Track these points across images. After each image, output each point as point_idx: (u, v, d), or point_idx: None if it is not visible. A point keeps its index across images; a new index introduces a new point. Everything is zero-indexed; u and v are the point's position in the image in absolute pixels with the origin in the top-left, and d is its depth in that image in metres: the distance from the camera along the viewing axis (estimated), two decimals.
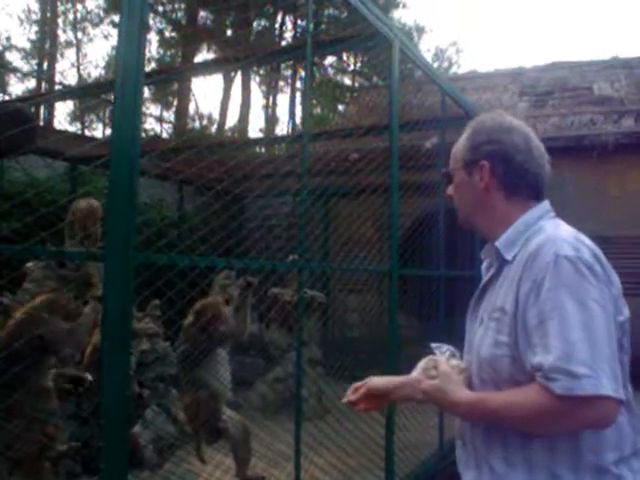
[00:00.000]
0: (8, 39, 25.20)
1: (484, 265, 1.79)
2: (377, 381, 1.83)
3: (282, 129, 26.34)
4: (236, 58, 5.11)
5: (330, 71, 24.97)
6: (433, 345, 1.69)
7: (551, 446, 1.44)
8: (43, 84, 22.25)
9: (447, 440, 5.28)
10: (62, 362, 3.35)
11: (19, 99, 7.08)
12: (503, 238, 1.62)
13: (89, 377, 3.61)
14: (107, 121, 22.64)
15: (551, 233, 1.52)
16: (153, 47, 22.40)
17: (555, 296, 1.39)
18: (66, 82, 23.65)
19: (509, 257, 1.59)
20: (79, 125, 25.23)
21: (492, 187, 1.65)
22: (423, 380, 1.60)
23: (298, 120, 23.40)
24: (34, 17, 25.53)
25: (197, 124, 25.85)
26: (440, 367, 1.59)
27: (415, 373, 1.64)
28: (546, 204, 1.67)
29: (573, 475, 1.42)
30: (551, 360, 1.34)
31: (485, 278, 1.70)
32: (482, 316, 1.63)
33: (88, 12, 24.51)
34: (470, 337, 1.69)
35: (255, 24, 21.81)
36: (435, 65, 26.96)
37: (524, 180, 1.64)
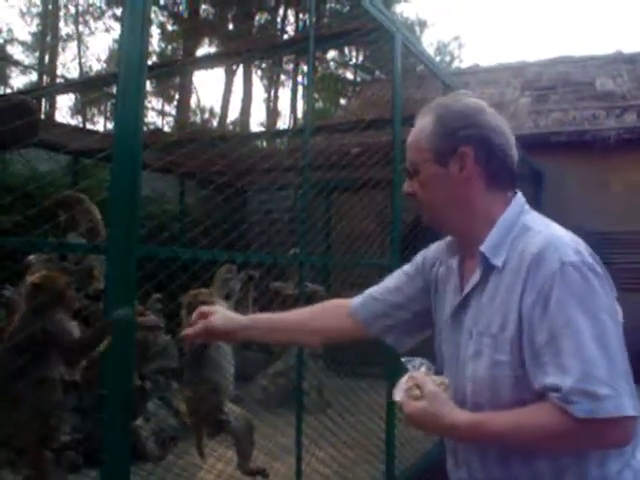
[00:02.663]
0: (9, 32, 25.23)
1: (454, 264, 1.62)
2: (218, 323, 1.81)
3: (284, 123, 26.37)
4: (238, 52, 5.11)
5: (332, 65, 24.94)
6: (404, 359, 1.50)
7: (557, 463, 1.36)
8: (45, 77, 22.24)
9: None
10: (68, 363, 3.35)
11: (21, 92, 7.08)
12: (488, 241, 1.44)
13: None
14: (108, 114, 22.62)
15: (548, 235, 1.39)
16: (154, 40, 22.39)
17: (565, 310, 1.29)
18: (68, 75, 23.67)
19: (499, 263, 1.42)
20: (80, 118, 25.22)
21: (473, 177, 1.48)
22: (407, 403, 1.39)
23: (299, 114, 23.42)
24: (35, 10, 25.54)
25: (198, 118, 25.85)
26: (427, 386, 1.39)
27: (399, 397, 1.42)
28: (521, 197, 1.53)
29: None
30: (570, 382, 1.24)
31: (468, 286, 1.52)
32: (471, 329, 1.48)
33: (90, 5, 24.47)
34: (454, 350, 1.54)
35: (257, 18, 21.79)
36: (437, 59, 26.90)
37: (505, 164, 1.49)
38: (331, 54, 23.79)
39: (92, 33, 27.91)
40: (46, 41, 23.53)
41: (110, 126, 20.43)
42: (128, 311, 1.97)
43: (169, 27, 22.61)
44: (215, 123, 24.68)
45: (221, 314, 1.84)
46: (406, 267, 1.83)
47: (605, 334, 1.28)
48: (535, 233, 1.41)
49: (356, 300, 1.87)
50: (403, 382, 1.43)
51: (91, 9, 24.67)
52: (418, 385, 1.40)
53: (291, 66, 24.01)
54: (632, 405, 1.24)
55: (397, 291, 1.79)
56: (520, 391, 1.36)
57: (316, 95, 21.75)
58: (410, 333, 1.79)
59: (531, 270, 1.35)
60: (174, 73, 8.93)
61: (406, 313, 1.76)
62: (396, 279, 1.82)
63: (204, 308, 1.88)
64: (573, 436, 1.28)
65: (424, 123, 1.53)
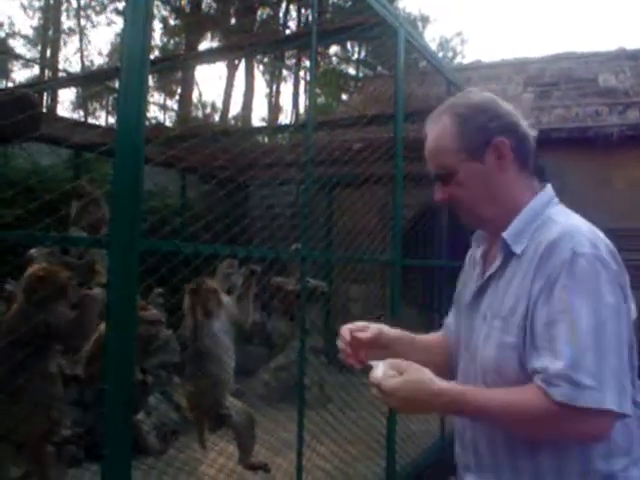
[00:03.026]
0: (11, 25, 25.18)
1: (478, 254, 1.66)
2: (389, 331, 1.68)
3: (286, 117, 26.36)
4: (240, 46, 5.10)
5: (334, 60, 24.89)
6: (373, 363, 1.42)
7: (561, 454, 1.37)
8: (46, 71, 22.21)
9: (449, 430, 5.29)
10: (69, 351, 3.36)
11: (23, 85, 7.07)
12: (511, 229, 1.48)
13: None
14: (110, 109, 22.60)
15: (566, 225, 1.41)
16: (157, 35, 22.35)
17: (568, 298, 1.31)
18: (70, 69, 23.64)
19: (518, 251, 1.45)
20: (82, 113, 25.19)
21: (509, 164, 1.51)
22: (387, 380, 1.34)
23: (301, 109, 23.38)
24: (37, 3, 25.50)
25: (200, 112, 25.82)
26: (402, 363, 1.38)
27: (380, 372, 1.37)
28: (550, 189, 1.56)
29: None
30: (558, 366, 1.27)
31: (489, 271, 1.54)
32: (485, 312, 1.51)
33: None
34: (469, 333, 1.58)
35: (259, 13, 21.73)
36: (440, 55, 26.83)
37: (530, 149, 1.54)
38: (333, 49, 23.76)
39: (94, 27, 27.89)
40: (48, 35, 23.48)
41: (112, 120, 20.42)
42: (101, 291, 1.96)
43: (171, 21, 22.57)
44: (217, 118, 24.66)
45: (381, 325, 1.72)
46: None
47: (603, 328, 1.29)
48: (555, 224, 1.43)
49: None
50: (379, 367, 1.39)
51: (93, 3, 24.64)
52: (393, 367, 1.38)
53: (293, 61, 23.96)
54: (614, 401, 1.26)
55: (455, 304, 1.82)
56: (522, 375, 1.37)
57: (318, 90, 21.73)
58: None
59: (543, 257, 1.37)
60: (176, 67, 8.92)
61: None
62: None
63: (352, 326, 1.68)
64: (552, 421, 1.29)
65: (443, 126, 1.54)
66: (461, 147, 1.51)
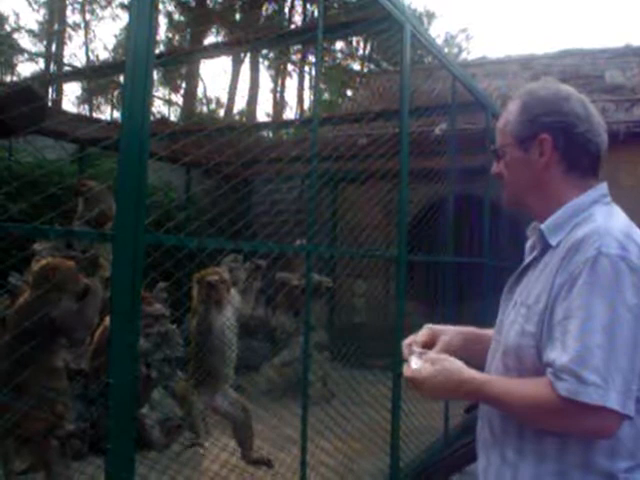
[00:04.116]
0: (17, 18, 25.19)
1: (528, 244, 1.68)
2: (453, 337, 1.69)
3: (291, 109, 26.34)
4: (246, 40, 5.08)
5: (339, 56, 24.82)
6: (410, 356, 1.54)
7: (564, 444, 1.39)
8: (51, 65, 22.23)
9: (452, 426, 5.29)
10: (73, 344, 3.36)
11: (28, 79, 7.07)
12: (550, 221, 1.50)
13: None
14: (116, 102, 22.61)
15: (600, 224, 1.41)
16: (162, 30, 22.33)
17: (586, 294, 1.32)
18: (75, 64, 23.63)
19: (553, 243, 1.47)
20: (87, 107, 25.20)
21: (552, 162, 1.53)
22: (421, 369, 1.48)
23: (306, 104, 23.36)
24: None
25: (205, 107, 25.82)
26: (435, 356, 1.50)
27: (416, 365, 1.50)
28: (603, 187, 1.55)
29: (580, 476, 1.37)
30: (565, 360, 1.30)
31: (526, 260, 1.59)
32: (517, 299, 1.55)
33: None
34: (501, 318, 1.62)
35: (264, 8, 21.68)
36: (445, 51, 26.70)
37: (586, 151, 1.52)
38: (339, 45, 23.70)
39: (99, 20, 27.85)
40: (53, 29, 23.48)
41: (117, 114, 20.45)
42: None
43: (176, 16, 22.55)
44: (222, 113, 24.65)
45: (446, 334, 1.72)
46: None
47: (617, 328, 1.29)
48: (592, 222, 1.44)
49: None
50: (413, 358, 1.53)
51: None
52: (426, 359, 1.51)
53: (299, 56, 23.90)
54: (618, 401, 1.27)
55: None
56: (539, 363, 1.40)
57: (323, 86, 21.70)
58: None
59: (569, 253, 1.40)
60: (181, 62, 8.91)
61: None
62: None
63: (425, 334, 1.71)
64: (557, 415, 1.33)
65: (512, 109, 1.61)
66: (513, 133, 1.58)
